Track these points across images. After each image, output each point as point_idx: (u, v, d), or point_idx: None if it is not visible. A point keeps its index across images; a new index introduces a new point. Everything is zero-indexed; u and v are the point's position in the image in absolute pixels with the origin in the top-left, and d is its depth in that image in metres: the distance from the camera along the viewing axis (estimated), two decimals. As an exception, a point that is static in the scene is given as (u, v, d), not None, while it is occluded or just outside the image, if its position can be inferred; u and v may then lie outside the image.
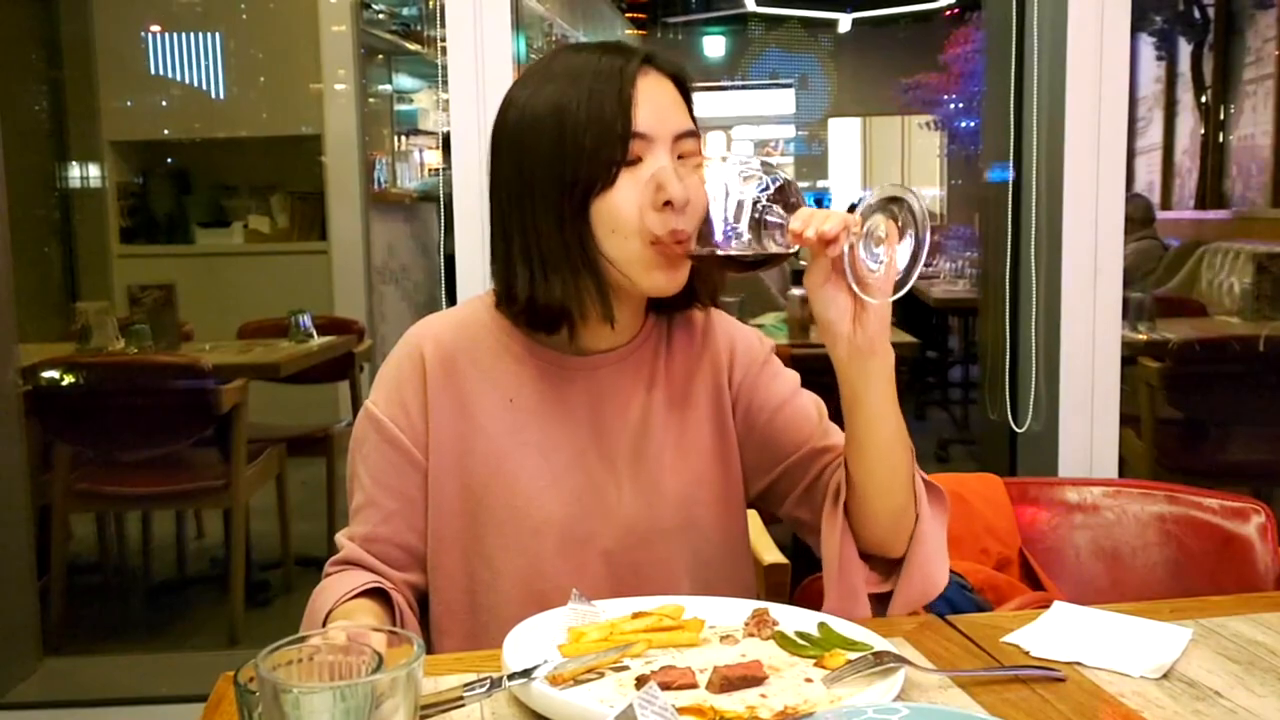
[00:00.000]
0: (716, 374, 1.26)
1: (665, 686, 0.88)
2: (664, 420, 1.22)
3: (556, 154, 1.12)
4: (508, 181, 1.16)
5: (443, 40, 2.23)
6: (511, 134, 1.16)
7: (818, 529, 1.17)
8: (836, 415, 1.16)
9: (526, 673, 0.90)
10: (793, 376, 1.28)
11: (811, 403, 1.27)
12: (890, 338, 1.09)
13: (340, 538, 1.21)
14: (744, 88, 12.48)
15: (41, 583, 3.08)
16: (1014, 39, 2.38)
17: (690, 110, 1.18)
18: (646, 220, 1.10)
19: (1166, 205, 7.35)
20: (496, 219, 1.19)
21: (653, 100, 1.13)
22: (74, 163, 5.46)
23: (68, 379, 3.19)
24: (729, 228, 1.03)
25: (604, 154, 1.11)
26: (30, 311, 3.86)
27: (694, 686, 0.91)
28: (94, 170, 5.47)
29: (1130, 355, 3.27)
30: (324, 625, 1.09)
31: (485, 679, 0.92)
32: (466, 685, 0.91)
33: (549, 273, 1.14)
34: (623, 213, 1.11)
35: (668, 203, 1.09)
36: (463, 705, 0.92)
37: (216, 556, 3.82)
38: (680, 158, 1.14)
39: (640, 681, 0.90)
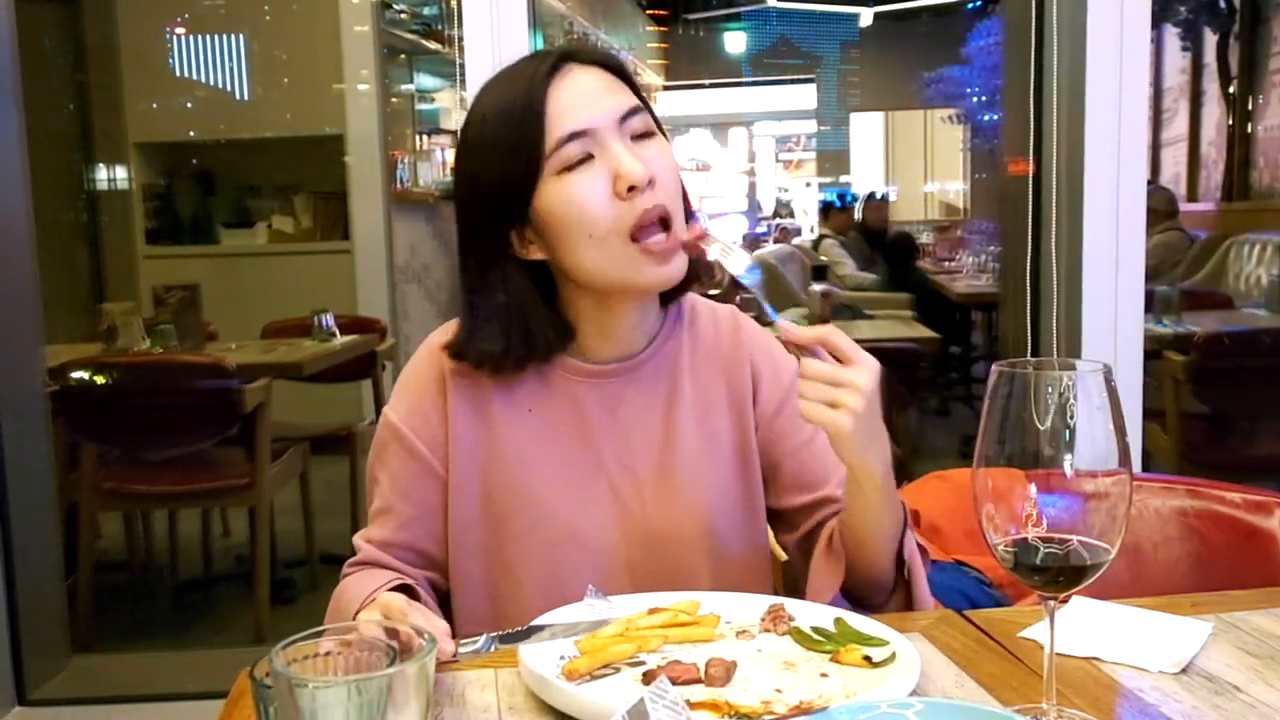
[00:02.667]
0: (741, 384, 1.24)
1: (673, 681, 0.88)
2: (685, 428, 1.21)
3: (481, 172, 1.14)
4: (457, 210, 1.18)
5: (462, 39, 2.24)
6: (456, 158, 1.18)
7: (799, 565, 1.21)
8: None
9: (524, 633, 0.95)
10: None
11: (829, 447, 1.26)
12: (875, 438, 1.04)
13: (358, 540, 1.22)
14: (765, 83, 12.45)
15: (70, 581, 3.12)
16: (1033, 31, 2.37)
17: (631, 88, 1.15)
18: (614, 209, 1.09)
19: (1193, 197, 7.28)
20: (459, 253, 1.19)
21: (578, 95, 1.11)
22: (100, 165, 5.52)
23: (94, 379, 3.23)
24: None
25: (519, 163, 1.10)
26: (57, 313, 3.89)
27: (699, 680, 0.91)
28: (120, 172, 5.53)
29: (1156, 349, 3.25)
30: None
31: (479, 636, 0.97)
32: (461, 643, 0.96)
33: (486, 317, 1.15)
34: (583, 210, 1.09)
35: (631, 188, 1.09)
36: (457, 663, 0.96)
37: (242, 554, 3.85)
38: (635, 138, 1.12)
39: (648, 677, 0.90)
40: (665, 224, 1.11)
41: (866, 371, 1.00)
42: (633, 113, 1.12)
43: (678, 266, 1.13)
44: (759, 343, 1.28)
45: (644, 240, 1.10)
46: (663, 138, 1.16)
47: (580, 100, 1.10)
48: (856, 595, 1.13)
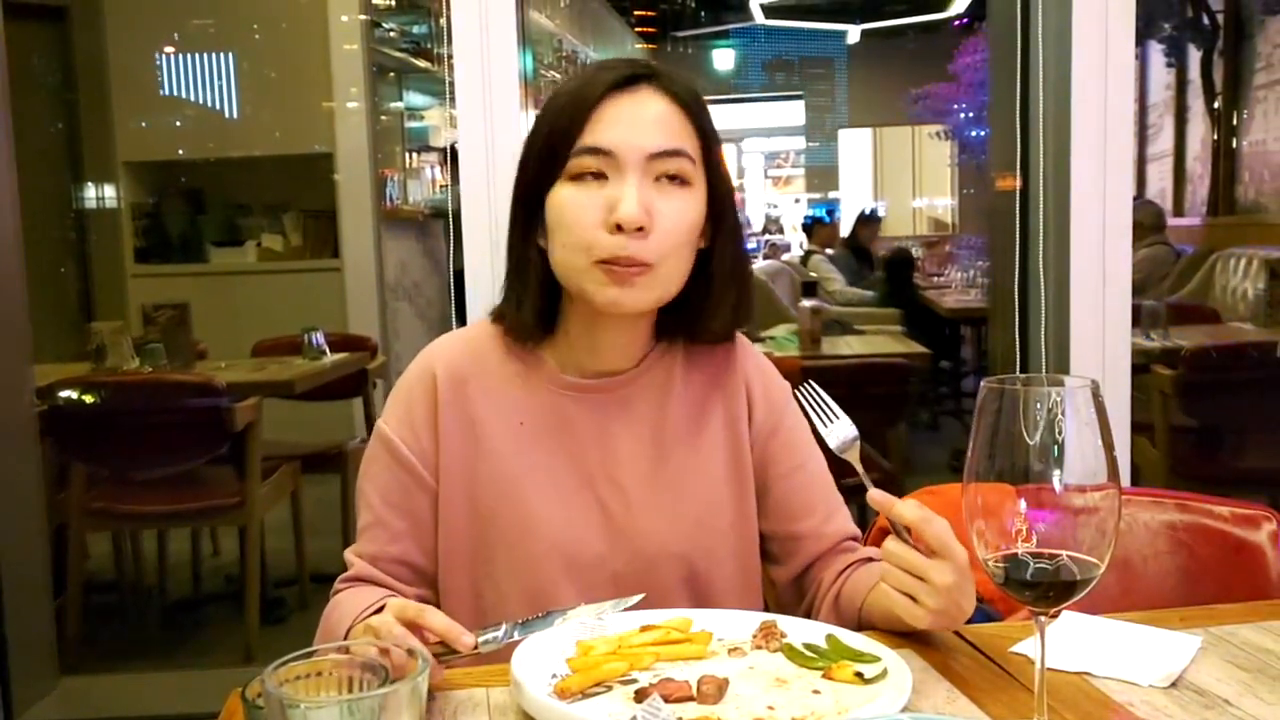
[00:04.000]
0: (736, 404, 1.24)
1: (665, 699, 0.88)
2: (675, 444, 1.21)
3: (524, 158, 1.16)
4: (520, 172, 1.20)
5: (451, 57, 2.25)
6: (534, 129, 1.19)
7: (792, 604, 1.24)
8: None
9: (544, 619, 0.98)
10: (806, 432, 1.26)
11: (821, 476, 1.26)
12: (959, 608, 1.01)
13: (349, 555, 1.22)
14: (753, 100, 12.51)
15: (58, 602, 3.10)
16: (1019, 47, 2.39)
17: (696, 128, 1.14)
18: (594, 236, 1.10)
19: (1179, 212, 7.32)
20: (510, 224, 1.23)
21: (625, 117, 1.11)
22: (89, 183, 5.51)
23: (83, 398, 3.21)
24: None
25: (546, 158, 1.13)
26: (46, 331, 3.88)
27: (690, 699, 0.91)
28: (109, 191, 5.52)
29: (1143, 363, 3.26)
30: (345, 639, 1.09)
31: (499, 625, 0.98)
32: (481, 633, 0.97)
33: (510, 282, 1.19)
34: (568, 222, 1.11)
35: (619, 227, 1.09)
36: (479, 653, 0.96)
37: (232, 574, 3.84)
38: (668, 179, 1.12)
39: (640, 695, 0.90)
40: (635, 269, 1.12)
41: (950, 570, 0.97)
42: (672, 154, 1.11)
43: (635, 297, 1.12)
44: (755, 364, 1.28)
45: (610, 271, 1.11)
46: (695, 191, 1.13)
47: (626, 120, 1.11)
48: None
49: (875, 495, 1.00)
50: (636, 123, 1.11)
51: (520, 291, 1.18)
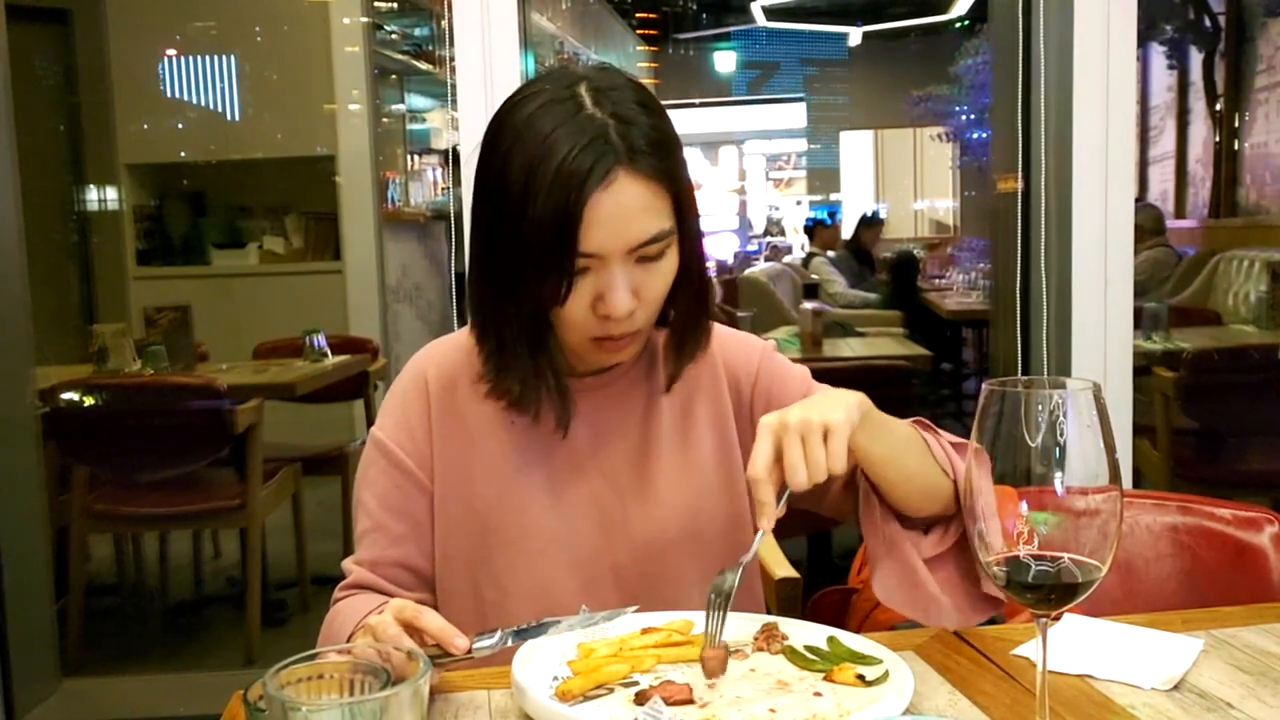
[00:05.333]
0: (718, 395, 1.25)
1: (666, 702, 0.88)
2: (665, 434, 1.23)
3: (516, 238, 1.07)
4: (483, 231, 1.13)
5: (453, 60, 2.25)
6: (487, 182, 1.11)
7: (843, 515, 1.20)
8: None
9: (539, 628, 0.98)
10: (802, 373, 1.27)
11: None
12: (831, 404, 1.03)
13: (348, 564, 1.22)
14: (755, 102, 12.52)
15: (60, 604, 3.10)
16: (1021, 50, 2.39)
17: (671, 194, 1.09)
18: (585, 322, 1.10)
19: (1180, 214, 7.32)
20: (473, 264, 1.16)
21: (609, 218, 1.05)
22: (90, 186, 5.51)
23: (85, 401, 3.22)
24: None
25: (550, 268, 1.07)
26: (48, 334, 3.88)
27: (690, 702, 0.91)
28: (110, 193, 5.52)
29: (1145, 365, 3.26)
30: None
31: (494, 632, 0.97)
32: (476, 638, 0.97)
33: (509, 362, 1.14)
34: (565, 313, 1.10)
35: (607, 316, 1.09)
36: (473, 658, 0.96)
37: (233, 576, 3.84)
38: (643, 260, 1.09)
39: (641, 697, 0.90)
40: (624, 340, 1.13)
41: (774, 419, 1.00)
42: (654, 240, 1.08)
43: (630, 352, 1.16)
44: (723, 338, 1.28)
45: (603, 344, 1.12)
46: (672, 248, 1.12)
47: (610, 220, 1.05)
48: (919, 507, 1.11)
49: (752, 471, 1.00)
50: (618, 221, 1.06)
51: (526, 377, 1.14)
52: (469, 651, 0.96)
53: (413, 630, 0.97)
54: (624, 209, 1.06)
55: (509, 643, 0.98)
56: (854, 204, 11.62)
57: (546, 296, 1.09)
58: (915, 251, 8.60)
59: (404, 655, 0.74)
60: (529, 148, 1.06)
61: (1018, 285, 2.46)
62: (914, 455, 1.09)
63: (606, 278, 1.08)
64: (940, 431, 1.16)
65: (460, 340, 1.25)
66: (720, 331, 1.28)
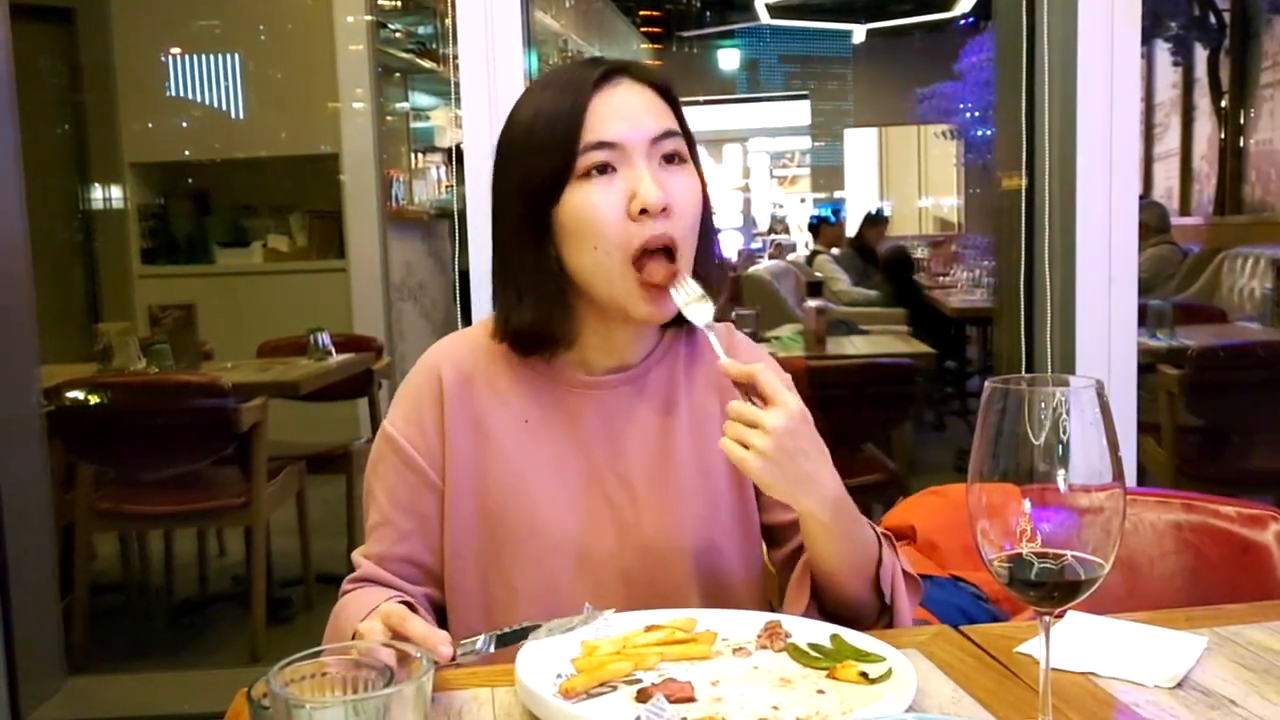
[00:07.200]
0: (731, 394, 1.25)
1: (669, 699, 0.88)
2: (682, 440, 1.22)
3: (519, 168, 1.14)
4: (493, 200, 1.19)
5: (456, 58, 2.25)
6: (497, 151, 1.19)
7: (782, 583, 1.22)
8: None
9: (520, 633, 0.97)
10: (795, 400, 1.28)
11: None
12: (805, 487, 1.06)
13: (357, 556, 1.22)
14: (759, 100, 12.51)
15: (65, 602, 3.11)
16: (1025, 46, 2.38)
17: (676, 115, 1.17)
18: (624, 230, 1.10)
19: (1185, 211, 7.31)
20: (494, 242, 1.20)
21: (619, 108, 1.12)
22: (95, 184, 5.53)
23: (90, 399, 3.22)
24: None
25: (553, 164, 1.11)
26: (53, 333, 3.89)
27: (692, 700, 0.91)
28: (115, 192, 5.53)
29: (1150, 362, 3.25)
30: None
31: (477, 637, 0.98)
32: (460, 645, 0.97)
33: (523, 295, 1.16)
34: (594, 221, 1.10)
35: (644, 210, 1.09)
36: (459, 666, 0.97)
37: (238, 574, 3.84)
38: (667, 160, 1.13)
39: (644, 695, 0.90)
40: (670, 254, 1.11)
41: (780, 414, 1.02)
42: (669, 135, 1.13)
43: (671, 308, 1.13)
44: (751, 359, 1.28)
45: (645, 269, 1.11)
46: (694, 168, 1.16)
47: (620, 112, 1.12)
48: (843, 618, 1.13)
49: (723, 363, 1.06)
50: (631, 112, 1.12)
51: (541, 304, 1.15)
52: (454, 658, 0.96)
53: (399, 636, 0.98)
54: (632, 105, 1.13)
55: (491, 648, 0.98)
56: (858, 202, 11.60)
57: (550, 195, 1.11)
58: (919, 249, 8.59)
59: (409, 651, 0.74)
60: (535, 93, 1.17)
61: (1022, 282, 2.46)
62: (858, 574, 1.13)
63: (634, 173, 1.10)
64: (900, 556, 1.17)
65: (474, 336, 1.25)
66: (748, 345, 1.29)
